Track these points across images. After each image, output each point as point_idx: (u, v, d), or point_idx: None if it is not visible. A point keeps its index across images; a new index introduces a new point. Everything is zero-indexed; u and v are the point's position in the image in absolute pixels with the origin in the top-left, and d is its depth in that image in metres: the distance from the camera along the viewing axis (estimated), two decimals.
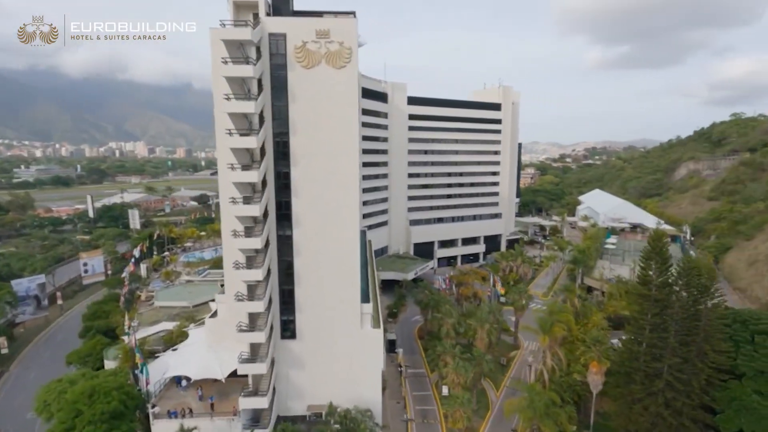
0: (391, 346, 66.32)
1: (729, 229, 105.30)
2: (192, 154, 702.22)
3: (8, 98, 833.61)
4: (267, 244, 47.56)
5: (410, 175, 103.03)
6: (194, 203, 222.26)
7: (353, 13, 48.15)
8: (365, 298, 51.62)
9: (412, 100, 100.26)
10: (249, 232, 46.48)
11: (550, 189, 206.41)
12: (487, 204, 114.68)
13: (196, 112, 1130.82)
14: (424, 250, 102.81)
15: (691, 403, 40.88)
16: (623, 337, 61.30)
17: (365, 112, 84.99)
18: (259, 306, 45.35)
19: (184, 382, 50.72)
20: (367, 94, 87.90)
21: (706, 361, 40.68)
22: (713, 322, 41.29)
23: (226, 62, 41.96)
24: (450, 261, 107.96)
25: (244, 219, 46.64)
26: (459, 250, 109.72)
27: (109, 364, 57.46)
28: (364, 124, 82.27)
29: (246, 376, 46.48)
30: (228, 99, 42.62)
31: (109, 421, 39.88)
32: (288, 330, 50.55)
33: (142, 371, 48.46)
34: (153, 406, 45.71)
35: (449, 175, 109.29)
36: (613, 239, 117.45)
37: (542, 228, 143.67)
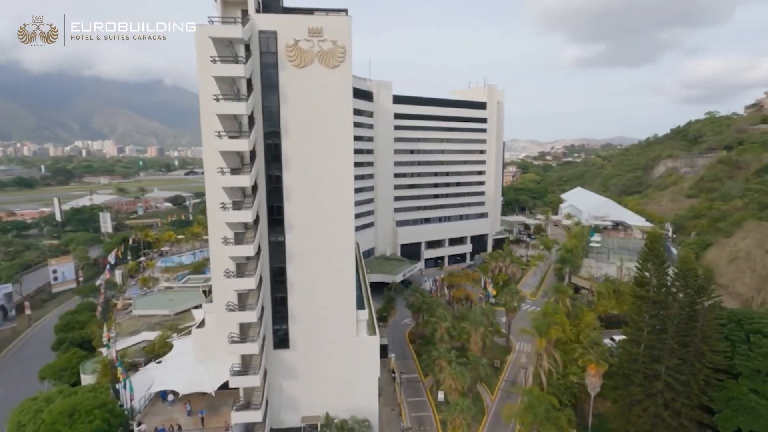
0: (383, 351, 64.97)
1: (709, 226, 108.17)
2: (164, 153, 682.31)
3: None
4: (258, 251, 45.58)
5: (396, 175, 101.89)
6: (169, 205, 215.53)
7: (345, 11, 46.58)
8: (360, 304, 50.30)
9: (398, 99, 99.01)
10: (239, 239, 44.44)
11: (533, 187, 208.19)
12: (473, 204, 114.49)
13: (167, 110, 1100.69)
14: (411, 251, 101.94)
15: (690, 404, 41.24)
16: (620, 338, 62.09)
17: None
18: (251, 316, 43.36)
19: (170, 397, 48.25)
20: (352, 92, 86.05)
21: (704, 361, 41.07)
22: (710, 322, 41.74)
23: (215, 61, 39.71)
24: (437, 262, 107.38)
25: (234, 225, 44.51)
26: (446, 251, 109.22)
27: (87, 379, 54.26)
28: None
29: (237, 388, 44.56)
30: (217, 100, 40.37)
31: None
32: (281, 339, 48.68)
33: (125, 386, 45.83)
34: (139, 424, 43.36)
35: (436, 174, 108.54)
36: (597, 237, 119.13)
37: (527, 227, 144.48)
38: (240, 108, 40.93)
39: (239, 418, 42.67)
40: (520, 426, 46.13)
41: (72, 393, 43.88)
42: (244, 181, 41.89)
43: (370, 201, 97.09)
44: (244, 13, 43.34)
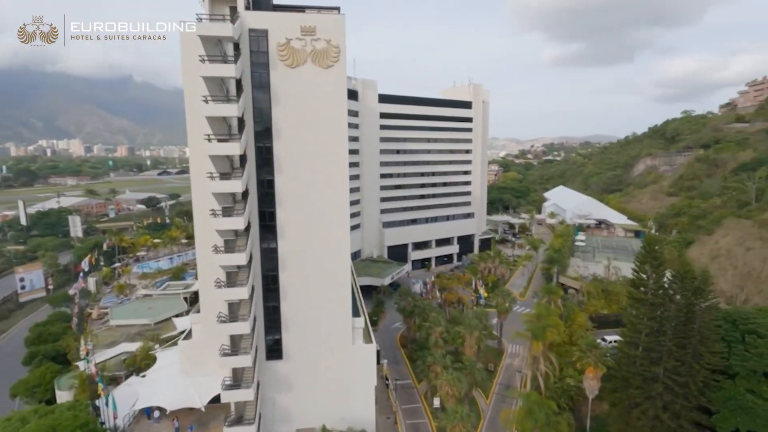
0: (376, 358, 63.74)
1: (689, 224, 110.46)
2: (135, 152, 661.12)
3: None
4: (250, 259, 43.58)
5: (383, 176, 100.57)
6: (142, 207, 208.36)
7: (338, 9, 45.01)
8: (354, 312, 48.89)
9: (384, 98, 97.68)
10: (230, 247, 42.37)
11: (516, 186, 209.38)
12: (460, 204, 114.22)
13: (138, 107, 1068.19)
14: (398, 253, 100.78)
15: (688, 405, 41.45)
16: (611, 339, 62.52)
17: None
18: (244, 327, 41.41)
19: (156, 413, 45.72)
20: None
21: (702, 362, 41.33)
22: (708, 323, 42.06)
23: (203, 61, 37.49)
24: (424, 263, 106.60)
25: (224, 232, 42.42)
26: (433, 252, 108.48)
27: (63, 396, 51.09)
28: None
29: (228, 402, 42.56)
30: (206, 101, 38.17)
31: None
32: (274, 350, 46.93)
33: (107, 403, 43.21)
34: None
35: (422, 175, 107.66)
36: (581, 236, 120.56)
37: (511, 226, 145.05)
38: (231, 110, 38.88)
39: None
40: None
41: (49, 412, 40.92)
42: (236, 186, 39.88)
43: (356, 202, 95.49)
44: (233, 10, 41.32)
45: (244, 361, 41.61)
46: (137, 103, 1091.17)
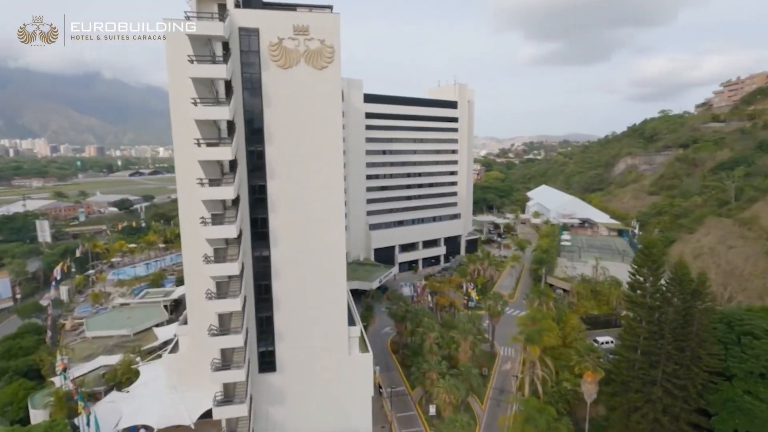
0: None
1: (671, 222, 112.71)
2: (105, 152, 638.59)
3: None
4: (242, 268, 41.60)
5: (368, 177, 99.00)
6: (114, 209, 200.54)
7: (330, 8, 43.34)
8: (350, 320, 47.45)
9: (369, 98, 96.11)
10: (220, 256, 40.31)
11: (499, 185, 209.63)
12: (446, 204, 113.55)
13: (107, 105, 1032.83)
14: (384, 256, 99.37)
15: (688, 408, 41.68)
16: (603, 339, 62.88)
17: None
18: (237, 340, 39.55)
19: (142, 431, 43.18)
20: None
21: (701, 365, 41.60)
22: (705, 326, 42.35)
23: (192, 61, 35.30)
24: (411, 265, 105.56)
25: (214, 241, 40.30)
26: (420, 254, 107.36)
27: (37, 415, 48.00)
28: None
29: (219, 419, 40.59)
30: (195, 103, 36.00)
31: None
32: (267, 362, 45.05)
33: (88, 423, 40.53)
34: None
35: (408, 175, 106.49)
36: (566, 236, 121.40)
37: (496, 226, 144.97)
38: (222, 113, 36.85)
39: None
40: None
41: None
42: (228, 192, 37.89)
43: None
44: (221, 7, 39.18)
45: (237, 375, 39.75)
46: (106, 100, 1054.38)
